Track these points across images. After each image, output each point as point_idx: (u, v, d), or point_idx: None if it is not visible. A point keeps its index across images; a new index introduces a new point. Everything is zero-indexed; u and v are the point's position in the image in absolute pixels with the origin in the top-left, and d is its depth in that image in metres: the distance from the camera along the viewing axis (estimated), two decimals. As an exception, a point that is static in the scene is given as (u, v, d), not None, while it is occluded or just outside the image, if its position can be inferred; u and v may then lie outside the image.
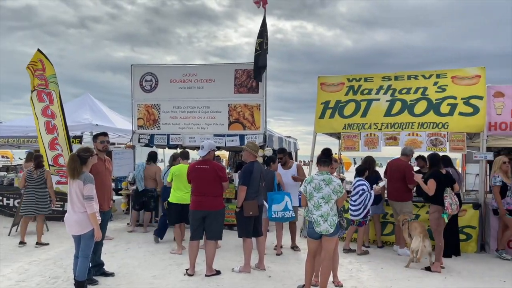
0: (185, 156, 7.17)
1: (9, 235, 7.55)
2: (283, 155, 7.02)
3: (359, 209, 6.33)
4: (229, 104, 8.86)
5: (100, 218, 4.48)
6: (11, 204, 9.40)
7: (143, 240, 7.46)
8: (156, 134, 9.20)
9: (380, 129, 7.44)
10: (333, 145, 11.56)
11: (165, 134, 9.15)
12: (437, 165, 5.82)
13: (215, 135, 8.79)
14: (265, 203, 5.87)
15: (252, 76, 8.68)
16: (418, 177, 5.89)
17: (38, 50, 9.20)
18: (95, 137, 5.53)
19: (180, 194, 6.56)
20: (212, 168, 5.32)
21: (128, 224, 8.88)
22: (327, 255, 4.46)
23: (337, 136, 10.74)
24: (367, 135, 7.51)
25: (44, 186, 7.07)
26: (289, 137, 13.22)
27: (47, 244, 6.93)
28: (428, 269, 5.66)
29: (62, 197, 8.54)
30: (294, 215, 6.33)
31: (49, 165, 9.04)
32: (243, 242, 5.56)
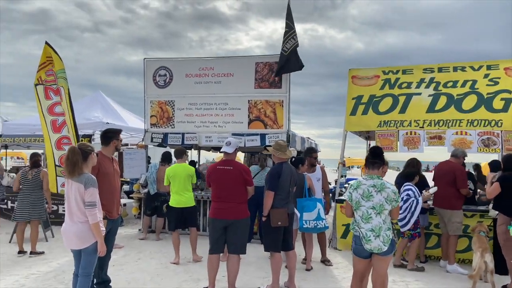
0: (179, 154, 6.34)
1: (9, 242, 6.90)
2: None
3: (405, 217, 5.48)
4: (249, 101, 8.10)
5: (104, 229, 3.73)
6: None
7: (156, 249, 6.74)
8: (170, 133, 8.48)
9: (422, 127, 6.58)
10: (361, 144, 10.72)
11: (179, 133, 8.42)
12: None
13: (233, 134, 8.00)
14: (296, 211, 5.07)
15: (274, 69, 7.95)
16: (491, 177, 5.07)
17: (46, 43, 8.65)
18: (114, 134, 4.64)
19: (179, 196, 5.94)
20: (236, 170, 4.55)
21: (139, 230, 8.20)
22: (379, 279, 3.65)
23: (366, 136, 9.92)
24: (406, 133, 6.66)
25: (40, 188, 6.33)
26: (309, 138, 12.44)
27: (42, 252, 6.24)
28: None
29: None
30: (327, 225, 5.54)
31: (55, 165, 8.47)
32: (270, 257, 4.77)
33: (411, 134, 6.64)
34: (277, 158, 4.80)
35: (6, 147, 12.36)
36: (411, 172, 5.88)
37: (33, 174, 6.29)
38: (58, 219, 8.20)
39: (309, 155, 6.01)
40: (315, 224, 5.39)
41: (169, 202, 6.04)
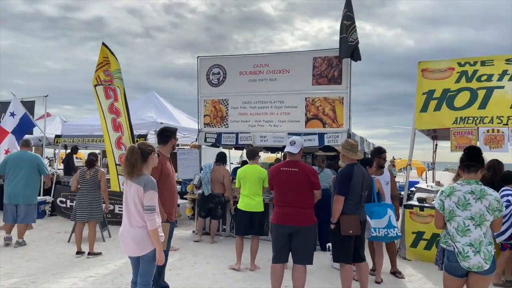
0: (252, 155, 5.95)
1: (68, 241, 6.94)
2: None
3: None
4: (306, 98, 7.70)
5: (163, 235, 3.47)
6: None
7: (211, 253, 6.49)
8: (224, 133, 8.24)
9: (506, 124, 5.83)
10: (418, 145, 9.91)
11: (233, 133, 8.16)
12: None
13: (289, 134, 7.61)
14: (368, 218, 4.57)
15: (333, 64, 7.49)
16: None
17: (103, 43, 8.72)
18: (172, 133, 4.39)
19: (248, 200, 5.63)
20: (302, 172, 4.15)
21: (193, 232, 8.03)
22: (478, 302, 3.09)
23: (433, 135, 9.15)
24: (487, 131, 5.93)
25: (97, 188, 6.25)
26: (366, 139, 11.74)
27: (100, 253, 6.16)
28: None
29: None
30: (400, 234, 5.00)
31: (116, 164, 8.52)
32: (340, 268, 4.32)
33: (493, 131, 5.89)
34: (347, 159, 4.34)
35: (65, 147, 12.78)
36: (509, 174, 5.15)
37: (91, 174, 6.25)
38: (114, 219, 8.23)
39: (377, 156, 5.47)
40: (386, 233, 4.87)
41: (237, 205, 5.77)
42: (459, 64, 6.49)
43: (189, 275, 5.34)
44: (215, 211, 7.35)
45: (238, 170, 5.92)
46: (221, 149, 8.85)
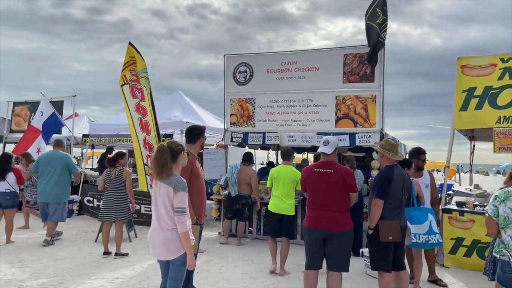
0: (286, 155, 5.68)
1: (95, 241, 6.92)
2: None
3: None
4: (336, 96, 7.42)
5: (193, 238, 3.30)
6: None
7: (238, 256, 6.31)
8: (250, 132, 8.05)
9: (555, 124, 5.41)
10: (463, 144, 9.45)
11: (260, 132, 7.97)
12: None
13: (319, 134, 7.38)
14: (408, 224, 4.28)
15: (365, 61, 7.19)
16: None
17: (130, 43, 8.68)
18: (201, 131, 4.22)
19: (279, 201, 5.43)
20: (337, 173, 3.92)
21: (219, 233, 7.88)
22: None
23: (470, 135, 8.71)
24: (534, 131, 5.53)
25: (123, 188, 6.16)
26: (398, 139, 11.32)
27: (127, 254, 6.08)
28: None
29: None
30: (441, 240, 4.68)
31: (144, 164, 8.46)
32: (379, 277, 4.06)
33: (540, 132, 5.49)
34: (386, 160, 4.07)
35: (92, 146, 12.91)
36: None
37: (116, 174, 6.18)
38: (140, 219, 8.19)
39: (416, 157, 5.15)
40: (427, 239, 4.55)
41: (268, 206, 5.60)
42: (502, 60, 6.07)
43: (217, 279, 5.18)
44: (241, 212, 7.19)
45: (272, 170, 5.74)
46: (247, 149, 8.68)
